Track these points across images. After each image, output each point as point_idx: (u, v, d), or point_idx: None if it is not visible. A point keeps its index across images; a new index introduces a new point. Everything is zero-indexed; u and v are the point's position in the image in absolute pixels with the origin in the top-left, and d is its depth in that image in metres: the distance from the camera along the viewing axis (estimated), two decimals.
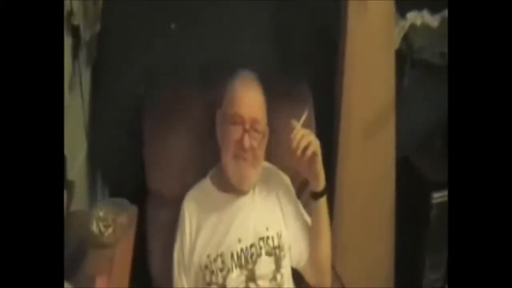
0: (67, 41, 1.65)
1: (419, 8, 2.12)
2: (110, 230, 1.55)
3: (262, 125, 1.68)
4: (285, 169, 1.80)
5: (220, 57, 1.99)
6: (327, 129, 1.99)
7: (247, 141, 1.63)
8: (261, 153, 1.69)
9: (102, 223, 1.55)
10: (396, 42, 2.07)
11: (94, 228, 1.54)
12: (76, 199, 1.62)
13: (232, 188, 1.70)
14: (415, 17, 2.13)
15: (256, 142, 1.66)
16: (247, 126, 1.64)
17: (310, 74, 1.99)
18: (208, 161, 1.79)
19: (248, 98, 1.67)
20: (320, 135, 1.64)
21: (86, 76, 1.92)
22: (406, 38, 2.12)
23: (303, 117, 1.60)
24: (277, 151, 1.75)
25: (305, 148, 1.57)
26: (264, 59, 2.04)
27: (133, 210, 1.65)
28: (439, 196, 2.10)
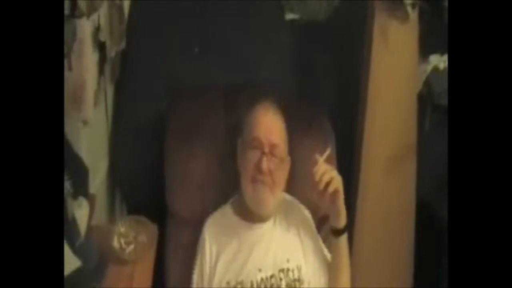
0: (94, 57, 1.66)
1: (442, 51, 2.12)
2: (131, 247, 1.54)
3: (281, 150, 1.67)
4: (305, 203, 1.77)
5: (242, 83, 1.98)
6: (348, 166, 1.97)
7: (265, 164, 1.61)
8: (280, 178, 1.67)
9: (123, 239, 1.54)
10: (418, 84, 2.07)
11: (115, 243, 1.52)
12: (96, 213, 1.58)
13: (252, 217, 1.68)
14: (438, 60, 2.13)
15: (274, 165, 1.64)
16: (266, 150, 1.63)
17: (332, 109, 1.99)
18: (229, 185, 1.77)
19: (267, 123, 1.67)
20: (340, 171, 1.62)
21: (109, 92, 1.91)
22: (427, 81, 2.12)
23: (326, 153, 1.59)
24: (298, 184, 1.73)
25: (327, 184, 1.55)
26: (286, 88, 2.03)
27: (154, 229, 1.63)
28: None
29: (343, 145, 1.90)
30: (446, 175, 2.25)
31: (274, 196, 1.66)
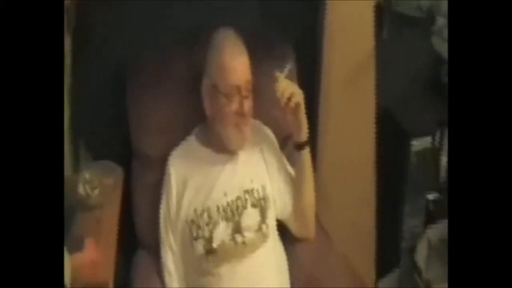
0: None
1: None
2: (96, 191, 1.58)
3: (251, 82, 1.68)
4: (269, 124, 1.82)
5: (203, 17, 1.95)
6: (309, 82, 1.99)
7: (247, 107, 1.65)
8: (251, 108, 1.70)
9: (88, 185, 1.58)
10: None
11: (81, 190, 1.56)
12: None
13: (217, 146, 1.73)
14: None
15: (251, 101, 1.67)
16: (244, 93, 1.65)
17: (292, 30, 2.00)
18: (192, 120, 1.81)
19: (238, 65, 1.65)
20: (302, 88, 1.66)
21: (67, 42, 1.87)
22: None
23: (286, 69, 1.64)
24: (261, 106, 1.76)
25: (289, 99, 1.60)
26: (247, 17, 2.02)
27: (119, 171, 1.67)
28: (418, 144, 2.14)
29: (303, 64, 1.93)
30: (405, 81, 2.31)
31: (250, 126, 1.72)
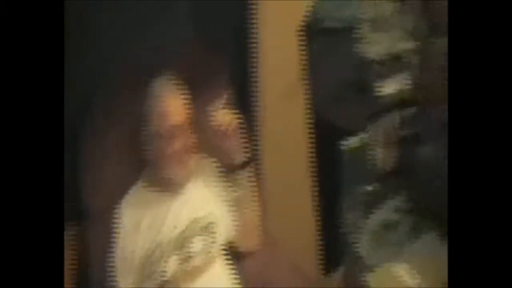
0: None
1: None
2: None
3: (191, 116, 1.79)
4: (211, 153, 1.94)
5: (142, 61, 2.02)
6: (246, 103, 2.14)
7: (189, 142, 1.80)
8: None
9: None
10: (302, 18, 2.23)
11: None
12: None
13: (164, 185, 1.85)
14: None
15: (192, 136, 1.80)
16: (186, 130, 1.78)
17: (226, 55, 2.13)
18: (139, 166, 1.91)
19: (177, 107, 1.78)
20: (239, 108, 1.82)
21: None
22: (311, 12, 2.27)
23: (224, 98, 1.79)
24: (202, 138, 1.86)
25: (227, 126, 1.76)
26: (184, 52, 2.10)
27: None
28: (350, 143, 2.31)
29: (240, 89, 2.08)
30: (337, 86, 2.43)
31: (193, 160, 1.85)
